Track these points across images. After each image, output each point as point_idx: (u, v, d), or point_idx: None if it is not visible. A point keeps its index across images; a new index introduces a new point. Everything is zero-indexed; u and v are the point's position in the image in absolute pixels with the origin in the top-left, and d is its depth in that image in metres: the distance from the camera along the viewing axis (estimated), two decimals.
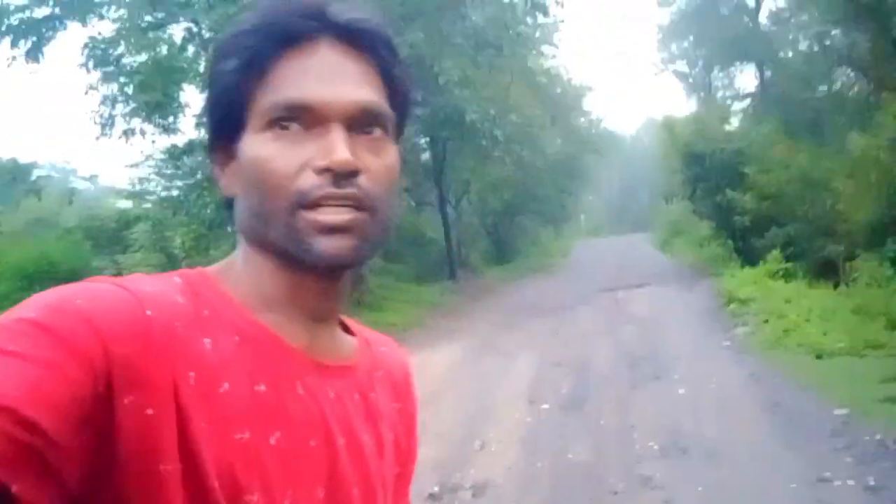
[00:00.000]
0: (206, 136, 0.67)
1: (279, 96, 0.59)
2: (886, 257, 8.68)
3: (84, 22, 11.82)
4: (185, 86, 11.48)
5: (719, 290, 11.46)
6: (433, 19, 12.65)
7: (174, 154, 11.82)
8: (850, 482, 3.89)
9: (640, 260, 20.90)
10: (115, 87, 11.66)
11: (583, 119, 29.07)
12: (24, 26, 11.47)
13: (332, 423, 0.62)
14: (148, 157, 13.65)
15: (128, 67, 11.37)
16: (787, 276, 10.65)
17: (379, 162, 0.61)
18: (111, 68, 11.38)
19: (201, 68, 11.46)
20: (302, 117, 0.59)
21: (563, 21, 19.54)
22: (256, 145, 0.60)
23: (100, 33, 11.45)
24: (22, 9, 11.50)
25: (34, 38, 11.55)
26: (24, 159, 12.62)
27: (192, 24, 11.81)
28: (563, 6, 14.54)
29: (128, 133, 11.43)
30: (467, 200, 21.68)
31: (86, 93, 11.38)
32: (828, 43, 17.19)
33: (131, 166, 13.95)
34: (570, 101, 26.36)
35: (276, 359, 0.60)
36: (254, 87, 0.60)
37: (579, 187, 30.61)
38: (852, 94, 16.85)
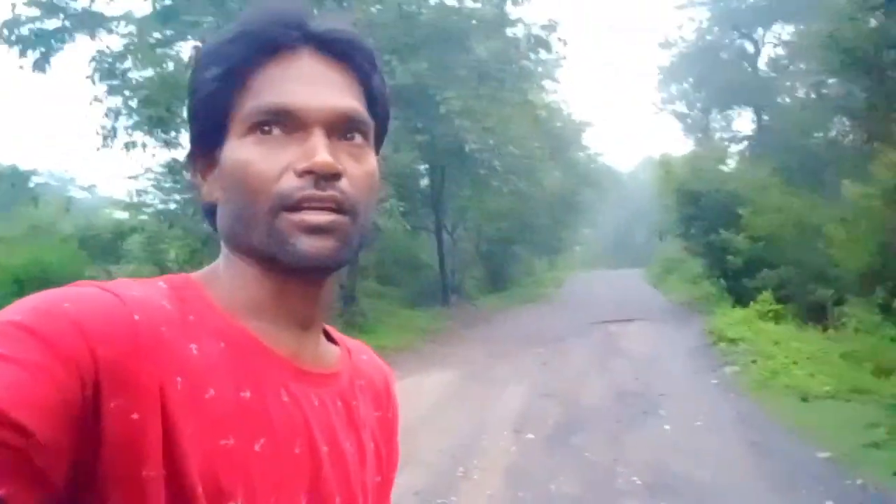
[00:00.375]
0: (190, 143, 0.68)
1: (261, 101, 0.60)
2: (875, 304, 8.75)
3: (93, 35, 12.00)
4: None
5: (710, 328, 11.50)
6: (438, 50, 12.88)
7: (174, 168, 11.89)
8: None
9: (633, 295, 20.95)
10: (119, 100, 11.78)
11: (582, 154, 29.38)
12: (33, 37, 11.63)
13: (316, 430, 0.62)
14: (147, 170, 13.73)
15: (133, 82, 11.50)
16: (777, 317, 10.71)
17: (359, 168, 0.62)
18: (117, 82, 11.51)
19: None
20: (283, 122, 0.60)
21: (565, 58, 19.90)
22: (238, 150, 0.60)
23: (108, 47, 11.62)
24: (32, 20, 11.68)
25: (42, 49, 11.71)
26: (23, 166, 12.67)
27: (199, 43, 11.99)
28: (565, 44, 14.85)
29: (129, 146, 11.51)
30: (464, 227, 21.79)
31: (90, 104, 11.50)
32: (824, 92, 17.47)
33: (130, 178, 14.02)
34: (569, 135, 26.66)
35: (261, 365, 0.60)
36: (235, 94, 0.61)
37: (576, 220, 30.77)
38: (847, 142, 17.08)
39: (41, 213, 14.16)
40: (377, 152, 0.67)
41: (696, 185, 15.41)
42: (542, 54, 15.70)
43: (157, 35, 11.80)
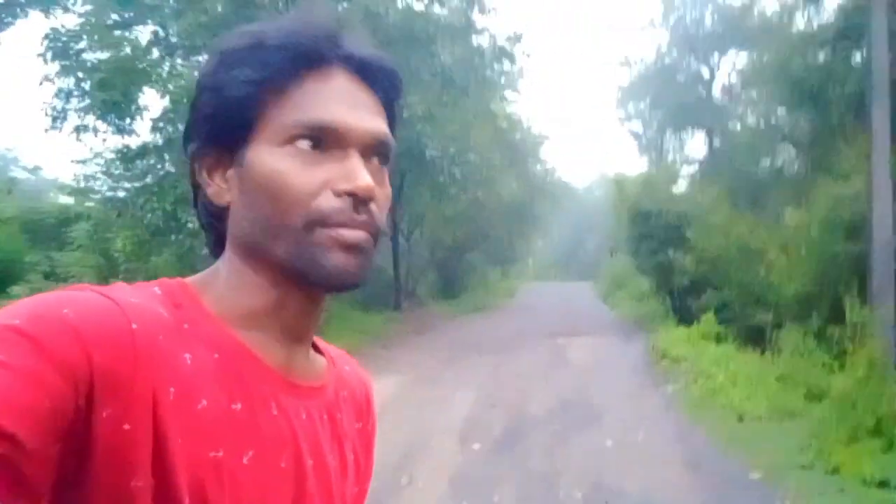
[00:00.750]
0: (190, 138, 0.65)
1: (305, 115, 0.60)
2: (810, 330, 9.11)
3: (48, 12, 11.58)
4: (145, 88, 11.29)
5: (654, 345, 11.79)
6: (403, 54, 12.87)
7: (127, 156, 11.55)
8: None
9: (583, 308, 21.29)
10: (72, 81, 11.39)
11: (538, 166, 29.76)
12: None
13: (303, 444, 0.63)
14: (97, 155, 13.30)
15: (88, 63, 11.14)
16: (719, 338, 11.04)
17: (382, 191, 0.63)
18: (70, 62, 11.12)
19: (164, 73, 11.32)
20: (323, 139, 0.60)
21: (527, 70, 20.16)
22: (274, 159, 0.60)
23: (63, 25, 11.23)
24: None
25: None
26: None
27: (159, 28, 11.70)
28: (529, 56, 15.03)
29: (80, 129, 11.13)
30: (420, 233, 21.79)
31: (40, 84, 11.08)
32: (773, 120, 18.18)
33: (78, 162, 13.56)
34: (527, 147, 26.98)
35: (253, 377, 0.60)
36: (270, 101, 0.61)
37: (530, 231, 31.12)
38: (792, 170, 17.79)
39: None
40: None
41: (647, 205, 15.78)
42: (506, 65, 15.87)
43: (115, 17, 11.47)
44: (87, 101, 11.16)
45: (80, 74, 11.16)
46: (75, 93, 11.34)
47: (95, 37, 11.01)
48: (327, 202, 0.59)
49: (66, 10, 11.62)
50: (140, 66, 11.03)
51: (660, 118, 31.27)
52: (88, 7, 11.47)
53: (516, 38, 14.63)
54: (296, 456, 0.62)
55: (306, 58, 0.61)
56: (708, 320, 11.60)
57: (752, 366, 8.91)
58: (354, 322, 13.56)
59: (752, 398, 7.44)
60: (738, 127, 25.06)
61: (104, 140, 11.71)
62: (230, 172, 0.63)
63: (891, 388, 6.55)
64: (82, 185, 13.65)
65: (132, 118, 11.34)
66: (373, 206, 0.61)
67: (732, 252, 13.08)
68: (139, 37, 11.87)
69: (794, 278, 10.49)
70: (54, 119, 11.30)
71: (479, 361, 10.62)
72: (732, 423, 6.93)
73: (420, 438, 6.15)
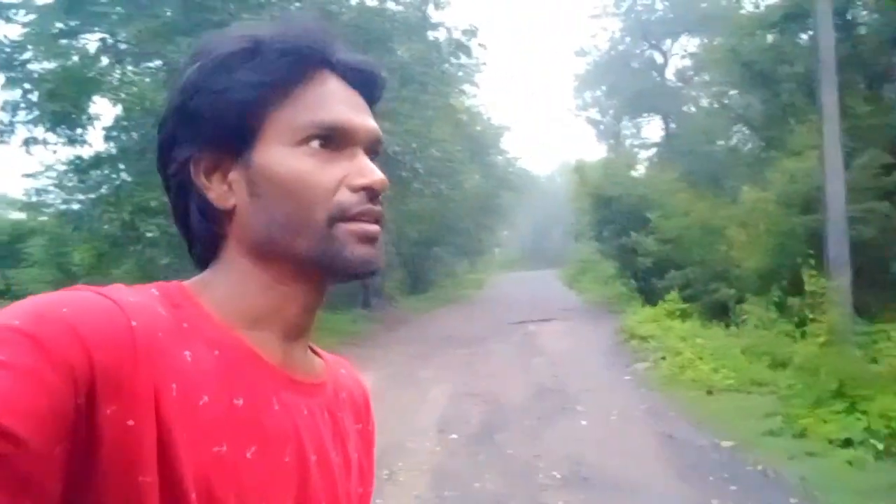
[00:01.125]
0: (176, 143, 0.64)
1: (317, 117, 0.62)
2: (772, 302, 9.37)
3: None
4: (96, 97, 11.03)
5: (622, 326, 12.00)
6: (360, 51, 12.78)
7: (80, 167, 11.27)
8: None
9: (550, 295, 21.51)
10: (18, 93, 11.07)
11: (500, 157, 29.92)
12: None
13: (305, 439, 0.63)
14: (48, 168, 12.95)
15: (35, 74, 10.83)
16: (684, 315, 11.29)
17: None
18: (16, 73, 10.80)
19: (115, 80, 11.07)
20: (334, 138, 0.63)
21: (485, 63, 20.23)
22: (291, 159, 0.62)
23: (6, 36, 10.89)
24: None
25: None
26: None
27: (107, 35, 11.42)
28: (485, 49, 15.09)
29: (29, 142, 10.84)
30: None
31: None
32: (726, 102, 18.58)
33: (28, 176, 13.19)
34: (489, 139, 27.12)
35: (255, 374, 0.61)
36: (274, 103, 0.62)
37: (495, 222, 31.29)
38: (747, 150, 18.21)
39: None
40: None
41: (608, 190, 16.02)
42: (463, 59, 15.89)
43: (60, 25, 11.16)
44: (36, 112, 10.86)
45: (27, 86, 10.85)
46: (23, 105, 11.02)
47: (41, 47, 10.71)
48: (346, 197, 0.63)
49: (8, 20, 11.27)
50: (89, 74, 10.76)
51: (616, 105, 31.70)
52: (32, 16, 11.14)
53: (472, 32, 14.66)
54: (299, 451, 0.63)
55: (307, 61, 0.64)
56: (672, 299, 11.85)
57: (718, 340, 9.15)
58: (324, 322, 13.47)
59: (720, 371, 7.64)
60: (693, 110, 25.58)
61: (55, 152, 11.43)
62: (233, 175, 0.63)
63: (851, 352, 6.80)
64: (34, 199, 13.28)
65: (84, 128, 11.08)
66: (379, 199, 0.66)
67: (693, 231, 13.38)
68: (87, 45, 11.59)
69: (753, 253, 10.78)
70: (1, 133, 10.98)
71: (452, 354, 10.67)
72: (702, 396, 7.11)
73: (399, 433, 6.16)
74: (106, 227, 10.55)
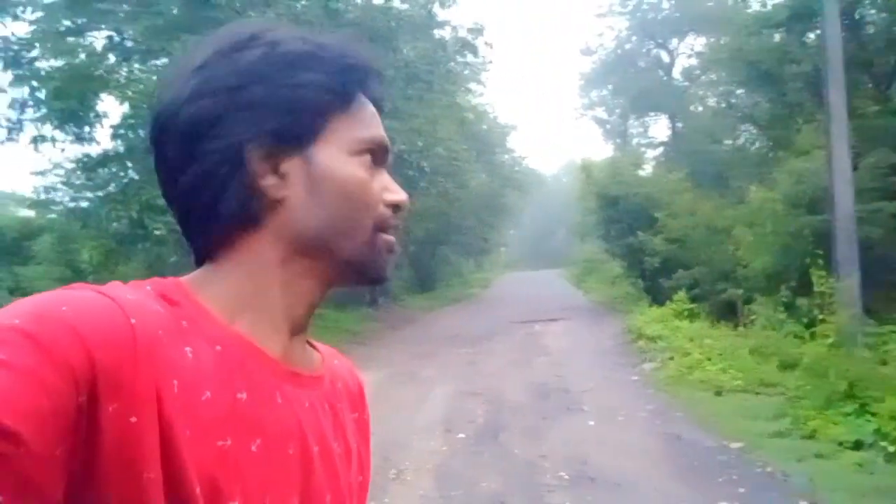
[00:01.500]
0: (229, 127, 0.63)
1: (371, 133, 0.67)
2: (780, 303, 9.32)
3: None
4: (103, 95, 11.05)
5: (629, 326, 11.96)
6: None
7: (88, 165, 11.30)
8: None
9: (556, 294, 21.49)
10: (26, 91, 11.09)
11: (506, 156, 29.90)
12: None
13: (308, 431, 0.64)
14: (56, 166, 12.99)
15: (42, 72, 10.85)
16: (692, 316, 11.24)
17: None
18: (23, 71, 10.83)
19: (122, 78, 11.09)
20: (378, 155, 0.67)
21: (491, 62, 20.21)
22: (351, 166, 0.65)
23: (13, 33, 10.92)
24: None
25: None
26: None
27: (113, 33, 11.44)
28: (491, 47, 15.08)
29: (37, 140, 10.85)
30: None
31: None
32: (733, 101, 18.51)
33: (37, 174, 13.23)
34: (495, 138, 27.10)
35: (257, 368, 0.61)
36: (336, 110, 0.65)
37: (501, 222, 31.29)
38: (753, 149, 18.14)
39: None
40: None
41: (614, 189, 15.97)
42: (469, 57, 15.88)
43: (67, 23, 11.18)
44: (44, 110, 10.89)
45: (35, 83, 10.88)
46: (30, 103, 11.05)
47: (48, 44, 10.73)
48: (384, 210, 0.67)
49: (15, 17, 11.30)
50: (96, 72, 10.78)
51: (623, 104, 31.61)
52: (39, 14, 11.17)
53: (478, 30, 14.65)
54: (302, 443, 0.63)
55: (365, 79, 0.68)
56: (680, 299, 11.81)
57: (726, 340, 9.10)
58: (330, 321, 13.50)
59: (728, 372, 7.60)
60: (700, 109, 25.49)
61: (63, 150, 11.45)
62: (287, 167, 0.63)
63: (860, 353, 6.75)
64: (42, 196, 13.33)
65: (91, 126, 11.10)
66: None
67: (700, 231, 13.33)
68: (94, 43, 11.61)
69: (760, 253, 10.73)
70: (10, 130, 11.01)
71: (458, 353, 10.66)
72: (710, 397, 7.07)
73: (404, 432, 6.15)
74: (114, 224, 10.57)
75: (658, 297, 13.37)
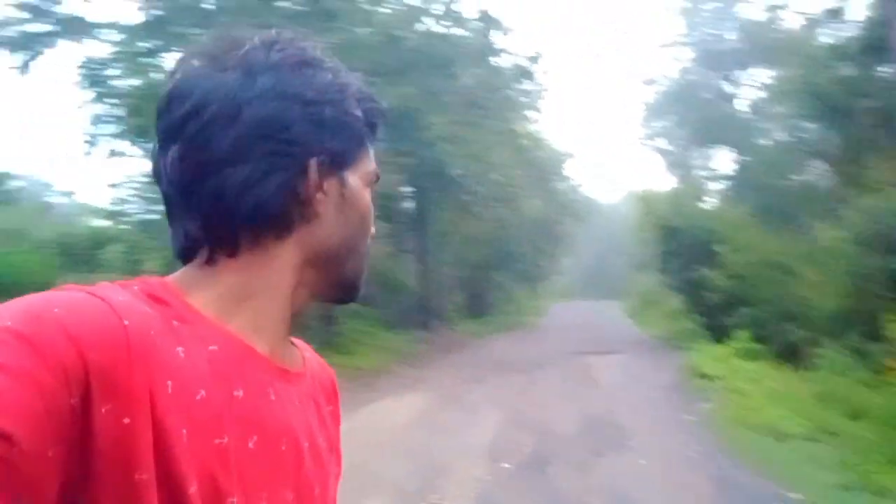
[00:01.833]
0: (295, 136, 0.65)
1: (376, 169, 0.74)
2: (847, 347, 8.88)
3: (79, 41, 11.94)
4: None
5: (686, 364, 11.58)
6: (425, 75, 13.01)
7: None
8: None
9: (612, 327, 21.06)
10: (104, 108, 11.69)
11: (563, 184, 29.69)
12: (20, 40, 11.55)
13: (298, 427, 0.66)
14: (130, 179, 13.59)
15: (120, 90, 11.43)
16: (753, 355, 10.81)
17: None
18: (103, 89, 11.43)
19: None
20: (372, 188, 0.74)
21: (547, 89, 20.23)
22: (366, 194, 0.73)
23: (94, 55, 11.57)
24: (20, 22, 11.60)
25: (27, 52, 11.62)
26: (1, 168, 12.47)
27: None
28: (549, 74, 15.11)
29: (113, 154, 11.41)
30: (446, 252, 21.81)
31: (77, 110, 11.42)
32: (801, 135, 17.94)
33: (112, 186, 13.86)
34: (551, 164, 26.96)
35: (251, 366, 0.63)
36: (367, 143, 0.73)
37: (557, 249, 30.99)
38: (822, 186, 17.48)
39: (17, 216, 13.94)
40: None
41: (675, 221, 15.63)
42: (526, 84, 15.93)
43: (143, 45, 11.77)
44: (120, 126, 11.44)
45: (113, 101, 11.46)
46: (108, 119, 11.64)
47: (125, 65, 11.30)
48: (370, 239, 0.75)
49: (98, 40, 11.98)
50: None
51: (686, 135, 31.04)
52: (119, 36, 11.80)
53: (536, 58, 14.71)
54: (293, 439, 0.65)
55: (380, 122, 0.74)
56: (742, 337, 11.39)
57: (789, 383, 8.70)
58: (381, 341, 13.59)
59: (789, 417, 7.24)
60: (766, 143, 24.78)
61: (137, 164, 11.98)
62: (328, 185, 0.68)
63: None
64: (116, 208, 13.95)
65: None
66: None
67: (764, 268, 12.87)
68: (165, 63, 12.17)
69: (828, 294, 10.26)
70: (89, 145, 11.60)
71: (508, 380, 10.53)
72: (769, 442, 6.74)
73: (448, 457, 6.09)
74: None
75: (718, 334, 12.93)
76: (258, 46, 0.66)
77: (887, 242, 9.65)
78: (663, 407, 8.72)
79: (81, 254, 11.90)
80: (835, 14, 14.91)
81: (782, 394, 8.10)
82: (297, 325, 0.72)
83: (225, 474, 0.57)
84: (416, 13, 13.15)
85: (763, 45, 24.43)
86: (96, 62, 11.35)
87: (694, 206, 16.60)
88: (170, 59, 12.14)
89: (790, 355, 10.16)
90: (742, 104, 28.58)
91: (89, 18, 11.77)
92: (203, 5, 11.80)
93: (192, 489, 0.54)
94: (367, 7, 13.00)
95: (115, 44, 11.57)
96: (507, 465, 5.94)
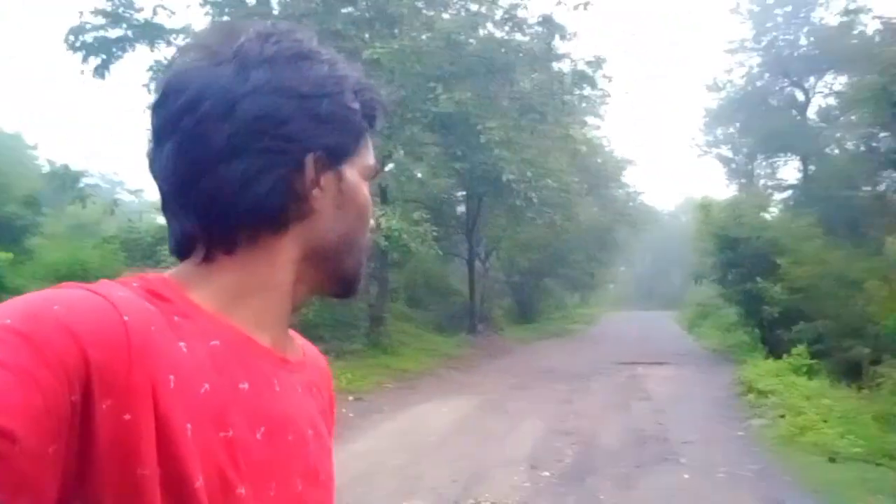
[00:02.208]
0: (291, 131, 0.64)
1: (375, 162, 0.73)
2: None
3: (152, 46, 12.48)
4: None
5: (740, 377, 11.22)
6: (483, 80, 13.02)
7: None
8: None
9: (665, 337, 20.58)
10: None
11: (621, 191, 29.18)
12: (97, 44, 12.15)
13: (301, 416, 0.67)
14: None
15: None
16: (811, 372, 10.39)
17: None
18: None
19: None
20: (370, 182, 0.74)
21: (609, 95, 19.91)
22: (364, 188, 0.71)
23: (165, 58, 12.04)
24: (97, 28, 12.21)
25: (104, 57, 12.21)
26: (75, 166, 13.08)
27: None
28: (610, 80, 14.87)
29: None
30: (496, 256, 21.75)
31: (144, 112, 11.92)
32: (874, 145, 17.15)
33: None
34: (609, 171, 26.54)
35: (255, 358, 0.63)
36: (365, 136, 0.71)
37: (611, 257, 30.47)
38: (895, 197, 16.67)
39: (88, 212, 14.60)
40: None
41: (735, 231, 15.16)
42: (587, 90, 15.75)
43: None
44: None
45: None
46: None
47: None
48: (370, 234, 0.74)
49: (169, 43, 12.49)
50: None
51: (750, 143, 30.07)
52: (188, 41, 12.26)
53: (598, 63, 14.52)
54: (299, 428, 0.66)
55: (378, 114, 0.72)
56: (800, 353, 10.96)
57: (847, 403, 8.32)
58: (427, 344, 13.66)
59: (846, 437, 6.93)
60: (836, 152, 23.77)
61: None
62: (325, 181, 0.66)
63: None
64: None
65: None
66: None
67: (827, 282, 12.38)
68: None
69: (895, 311, 9.78)
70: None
71: (553, 388, 10.43)
72: (823, 463, 6.47)
73: (487, 462, 6.08)
74: None
75: (775, 348, 12.48)
76: (253, 39, 0.65)
77: None
78: (714, 421, 8.47)
79: (144, 249, 12.39)
80: None
81: (839, 413, 7.75)
82: (297, 315, 0.74)
83: (232, 466, 0.57)
84: (478, 19, 13.18)
85: (838, 50, 23.46)
86: (165, 66, 11.81)
87: (755, 216, 16.06)
88: None
89: (850, 373, 9.74)
90: (811, 112, 27.52)
91: (166, 25, 12.31)
92: (268, 10, 12.14)
93: (198, 483, 0.54)
94: (429, 13, 13.13)
95: None
96: (546, 474, 5.88)
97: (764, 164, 30.75)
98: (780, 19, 27.53)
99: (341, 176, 0.67)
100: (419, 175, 12.86)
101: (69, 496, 0.50)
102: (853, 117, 20.45)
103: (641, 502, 5.21)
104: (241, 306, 0.64)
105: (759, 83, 29.36)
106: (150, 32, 12.34)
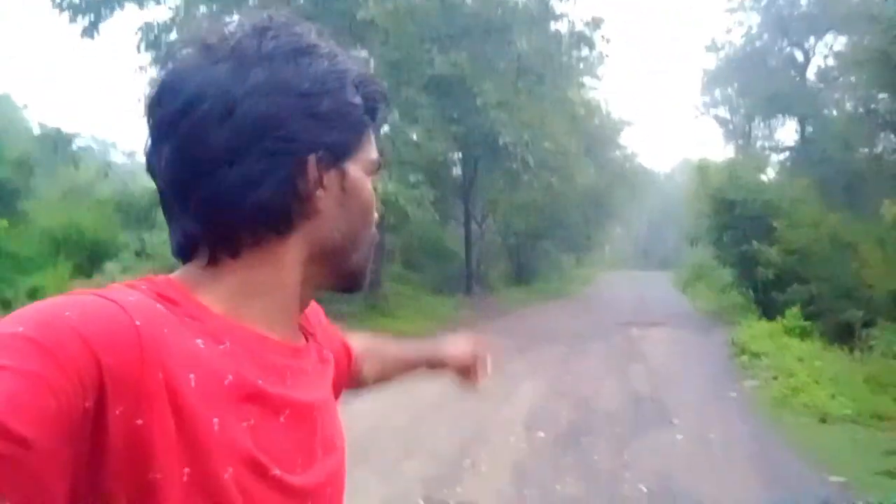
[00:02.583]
0: (291, 131, 0.63)
1: (377, 156, 0.72)
2: None
3: (141, 4, 12.21)
4: None
5: (734, 339, 11.36)
6: (478, 42, 12.82)
7: None
8: None
9: (660, 298, 20.75)
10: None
11: (618, 152, 29.06)
12: (83, 5, 11.87)
13: (315, 396, 0.69)
14: None
15: None
16: (804, 334, 10.52)
17: None
18: (162, 53, 11.69)
19: None
20: (373, 175, 0.73)
21: (607, 55, 19.65)
22: (368, 184, 0.71)
23: (155, 19, 11.82)
24: None
25: (92, 16, 11.95)
26: (67, 129, 12.92)
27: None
28: (609, 41, 14.66)
29: None
30: (492, 219, 21.74)
31: (135, 73, 11.73)
32: (873, 107, 17.04)
33: None
34: (606, 133, 26.40)
35: (266, 354, 0.64)
36: (368, 131, 0.70)
37: (607, 219, 30.51)
38: (892, 159, 16.64)
39: (80, 175, 14.46)
40: None
41: (732, 193, 15.16)
42: (584, 51, 15.53)
43: (203, 9, 11.95)
44: None
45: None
46: None
47: (184, 28, 11.51)
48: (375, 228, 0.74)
49: (158, 2, 12.23)
50: None
51: (748, 104, 29.85)
52: (179, 1, 12.00)
53: (596, 24, 14.28)
54: (315, 409, 0.69)
55: (380, 107, 0.72)
56: (793, 315, 11.08)
57: (839, 364, 8.46)
58: (424, 306, 13.74)
59: (837, 398, 7.06)
60: (835, 114, 23.63)
61: None
62: (327, 179, 0.65)
63: None
64: None
65: None
66: None
67: (823, 245, 12.44)
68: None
69: (889, 274, 9.86)
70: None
71: (550, 349, 10.54)
72: (814, 423, 6.61)
73: (484, 424, 6.18)
74: None
75: (769, 310, 12.61)
76: (250, 34, 0.63)
77: None
78: (707, 383, 8.61)
79: (138, 212, 12.31)
80: None
81: (831, 375, 7.88)
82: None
83: (262, 451, 0.59)
84: None
85: (839, 10, 23.10)
86: (155, 27, 11.58)
87: (752, 178, 16.03)
88: (231, 24, 12.30)
89: (842, 335, 9.86)
90: (810, 73, 27.26)
91: None
92: None
93: (227, 474, 0.55)
94: None
95: (173, 8, 11.78)
96: (542, 435, 5.99)
97: (761, 125, 30.59)
98: None
99: (344, 174, 0.67)
100: (415, 137, 12.74)
101: (81, 500, 0.51)
102: (852, 79, 20.28)
103: (635, 462, 5.32)
104: (249, 308, 0.64)
105: (758, 43, 29.01)
106: None
